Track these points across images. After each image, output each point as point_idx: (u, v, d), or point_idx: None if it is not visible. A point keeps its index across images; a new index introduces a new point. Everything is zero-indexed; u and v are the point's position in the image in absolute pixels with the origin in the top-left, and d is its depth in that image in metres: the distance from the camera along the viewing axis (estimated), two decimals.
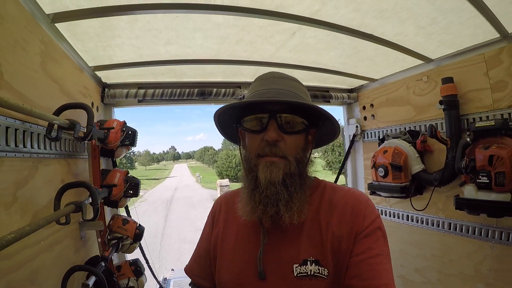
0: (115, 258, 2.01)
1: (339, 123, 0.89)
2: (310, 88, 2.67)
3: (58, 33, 1.32)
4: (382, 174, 2.16)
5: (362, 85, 2.76)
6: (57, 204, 1.14)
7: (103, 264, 1.44)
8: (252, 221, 0.80)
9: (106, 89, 2.11)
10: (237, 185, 0.87)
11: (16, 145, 0.96)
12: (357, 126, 2.83)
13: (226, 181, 23.35)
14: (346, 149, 2.97)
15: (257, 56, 1.96)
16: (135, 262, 1.90)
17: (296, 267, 0.75)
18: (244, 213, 0.80)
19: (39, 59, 1.15)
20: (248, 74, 2.34)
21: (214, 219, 0.98)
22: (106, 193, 1.61)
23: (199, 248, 1.01)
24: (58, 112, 1.21)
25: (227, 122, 0.92)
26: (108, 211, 1.96)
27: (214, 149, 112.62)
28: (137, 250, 1.98)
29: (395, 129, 2.39)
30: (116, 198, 1.74)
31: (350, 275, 0.73)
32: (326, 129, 0.88)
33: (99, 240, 1.61)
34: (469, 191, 1.64)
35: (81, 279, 1.30)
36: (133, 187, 1.82)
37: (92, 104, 1.88)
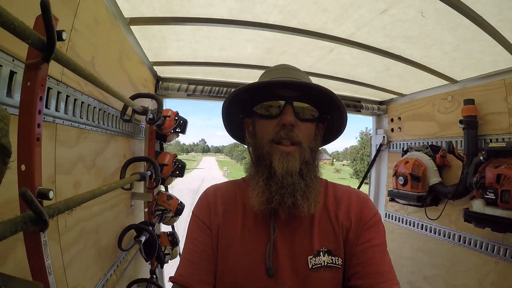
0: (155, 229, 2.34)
1: (347, 119, 0.89)
2: (343, 97, 2.87)
3: (131, 33, 1.57)
4: (401, 182, 2.35)
5: (392, 98, 2.93)
6: (123, 173, 1.41)
7: (151, 228, 1.66)
8: (259, 214, 0.78)
9: (160, 82, 2.37)
10: None
11: (98, 122, 1.21)
12: (384, 137, 3.00)
13: None
14: (372, 157, 3.14)
15: (298, 66, 2.22)
16: (172, 234, 2.16)
17: (310, 259, 0.74)
18: (259, 202, 0.75)
19: (118, 54, 1.41)
20: None
21: (211, 209, 0.85)
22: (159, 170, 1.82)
23: (192, 249, 0.82)
24: (132, 98, 1.48)
25: (232, 117, 0.91)
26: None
27: (245, 146, 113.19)
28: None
29: (419, 142, 2.54)
30: (165, 176, 2.00)
31: (355, 262, 0.75)
32: (334, 124, 0.89)
33: (146, 209, 1.92)
34: (477, 205, 1.79)
35: (128, 240, 1.54)
36: (180, 169, 2.09)
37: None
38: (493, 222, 1.70)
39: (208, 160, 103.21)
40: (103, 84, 0.91)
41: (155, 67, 2.22)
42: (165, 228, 2.35)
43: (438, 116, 2.36)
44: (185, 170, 2.20)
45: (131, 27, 1.52)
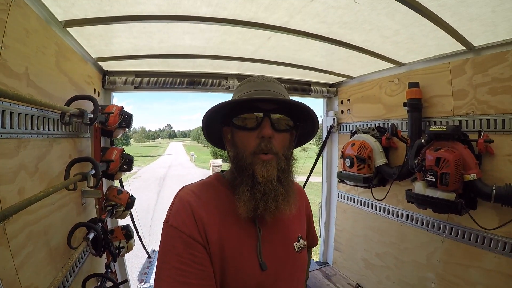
0: (109, 223, 2.27)
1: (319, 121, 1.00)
2: (291, 81, 2.84)
3: (68, 35, 1.58)
4: (348, 164, 2.36)
5: (342, 81, 2.90)
6: (67, 174, 1.43)
7: (100, 224, 1.68)
8: (244, 218, 0.81)
9: (107, 76, 2.31)
10: (229, 166, 0.91)
11: (38, 129, 1.25)
12: (334, 119, 3.00)
13: (219, 161, 23.60)
14: (323, 140, 3.15)
15: (240, 53, 2.10)
16: (126, 227, 2.17)
17: (295, 244, 0.89)
18: (247, 210, 0.78)
19: (54, 58, 1.42)
20: (234, 67, 2.49)
21: (196, 221, 0.76)
22: (105, 167, 1.90)
23: (185, 269, 0.72)
24: (69, 101, 1.49)
25: (210, 125, 0.92)
26: (105, 183, 2.22)
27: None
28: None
29: (367, 124, 2.56)
30: (113, 172, 2.02)
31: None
32: (305, 130, 0.95)
33: (97, 206, 1.97)
34: (419, 187, 1.83)
35: (81, 237, 1.59)
36: (127, 163, 2.09)
37: (95, 90, 2.11)
38: (433, 204, 1.75)
39: (175, 145, 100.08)
40: (30, 100, 1.01)
41: (100, 63, 2.18)
42: (125, 221, 2.34)
43: (385, 99, 2.37)
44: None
45: (68, 29, 1.53)
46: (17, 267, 1.04)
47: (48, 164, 1.36)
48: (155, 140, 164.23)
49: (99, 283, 1.78)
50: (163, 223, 0.79)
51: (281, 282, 0.82)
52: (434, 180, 1.71)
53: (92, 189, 1.71)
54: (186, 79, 2.49)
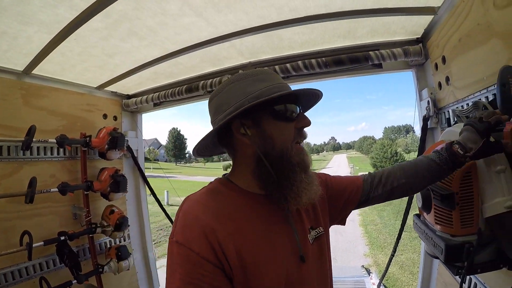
0: (113, 241, 2.31)
1: None
2: (344, 50, 1.86)
3: (36, 76, 1.86)
4: (420, 204, 1.09)
5: (428, 25, 1.50)
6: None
7: (64, 237, 1.81)
8: (269, 210, 0.78)
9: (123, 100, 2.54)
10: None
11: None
12: (428, 101, 1.58)
13: None
14: (420, 143, 1.72)
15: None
16: (121, 248, 2.14)
17: (308, 236, 0.82)
18: (307, 198, 0.76)
19: (21, 100, 1.78)
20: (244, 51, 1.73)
21: (210, 240, 0.67)
22: (84, 186, 2.02)
23: None
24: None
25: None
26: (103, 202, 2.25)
27: (374, 139, 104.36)
28: None
29: (480, 98, 1.11)
30: (103, 191, 2.10)
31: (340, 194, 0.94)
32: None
33: (84, 220, 2.06)
34: None
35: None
36: (114, 184, 2.10)
37: (105, 115, 2.38)
38: None
39: (339, 158, 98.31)
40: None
41: (108, 88, 2.33)
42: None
43: (499, 19, 0.93)
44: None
45: (33, 72, 1.81)
46: None
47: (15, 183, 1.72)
48: (319, 153, 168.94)
49: None
50: (169, 240, 0.72)
51: (315, 273, 0.80)
52: None
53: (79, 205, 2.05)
54: (184, 86, 2.16)
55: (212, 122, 0.80)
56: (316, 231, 0.85)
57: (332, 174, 1.00)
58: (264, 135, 0.76)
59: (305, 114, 0.81)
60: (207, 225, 0.68)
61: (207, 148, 0.87)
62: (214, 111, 0.79)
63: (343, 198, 0.93)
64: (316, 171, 0.97)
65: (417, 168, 0.91)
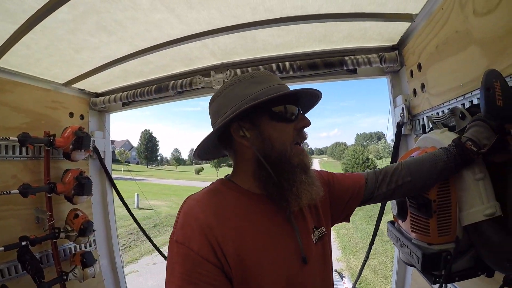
0: (78, 246, 2.19)
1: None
2: (319, 54, 1.82)
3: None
4: (395, 212, 1.05)
5: (404, 33, 1.51)
6: None
7: (25, 242, 1.72)
8: (271, 211, 0.76)
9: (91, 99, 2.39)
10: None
11: None
12: (403, 108, 1.59)
13: None
14: (393, 149, 1.73)
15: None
16: (86, 254, 2.04)
17: (312, 236, 0.81)
18: (308, 199, 0.75)
19: None
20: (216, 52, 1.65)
21: (209, 239, 0.67)
22: (47, 188, 1.89)
23: None
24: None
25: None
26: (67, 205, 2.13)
27: (346, 145, 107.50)
28: None
29: (456, 105, 1.11)
30: (67, 194, 2.00)
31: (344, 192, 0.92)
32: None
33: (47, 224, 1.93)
34: None
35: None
36: (79, 186, 2.00)
37: (71, 113, 2.24)
38: None
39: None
40: None
41: (76, 85, 2.21)
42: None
43: (477, 27, 0.93)
44: None
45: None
46: None
47: None
48: None
49: None
50: (169, 239, 0.72)
51: (318, 275, 0.79)
52: None
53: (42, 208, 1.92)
54: (154, 86, 2.06)
55: (212, 126, 0.80)
56: (319, 231, 0.84)
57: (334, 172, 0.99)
58: (263, 136, 0.76)
59: (305, 115, 0.81)
60: (207, 224, 0.68)
61: (209, 152, 0.88)
62: (213, 115, 0.80)
63: (346, 197, 0.91)
64: (318, 170, 0.96)
65: (423, 166, 0.89)
